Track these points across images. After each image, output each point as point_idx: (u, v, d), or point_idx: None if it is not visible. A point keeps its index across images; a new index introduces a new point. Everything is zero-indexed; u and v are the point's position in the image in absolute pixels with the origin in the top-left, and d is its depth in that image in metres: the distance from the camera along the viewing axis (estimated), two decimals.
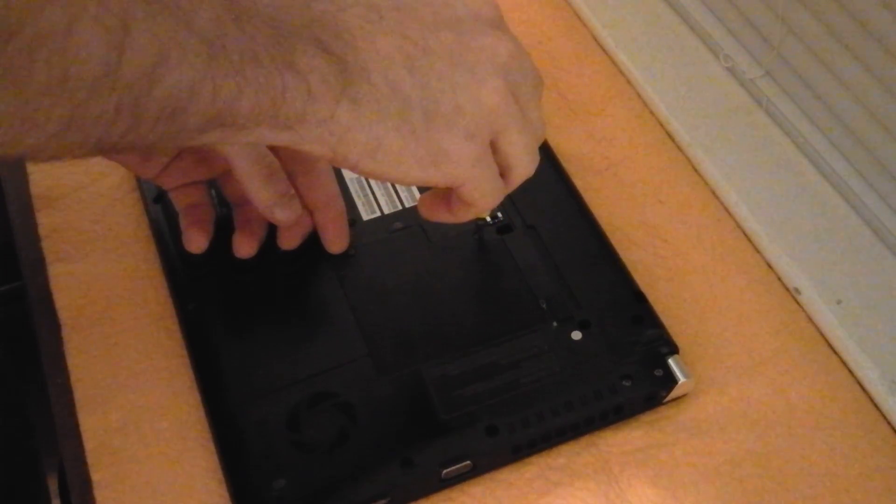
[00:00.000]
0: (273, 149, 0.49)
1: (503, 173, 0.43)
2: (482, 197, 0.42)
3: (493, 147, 0.41)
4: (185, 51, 0.34)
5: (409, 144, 0.39)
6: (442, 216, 0.45)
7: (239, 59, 0.35)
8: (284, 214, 0.50)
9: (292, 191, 0.50)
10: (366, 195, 0.55)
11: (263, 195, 0.49)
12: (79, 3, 0.31)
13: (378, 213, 0.54)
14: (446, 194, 0.44)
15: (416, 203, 0.54)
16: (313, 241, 0.52)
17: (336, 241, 0.52)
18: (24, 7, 0.29)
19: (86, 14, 0.31)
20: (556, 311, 0.50)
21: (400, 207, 0.54)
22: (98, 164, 0.58)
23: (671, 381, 0.48)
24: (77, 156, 0.35)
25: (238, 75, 0.35)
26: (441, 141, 0.40)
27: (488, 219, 0.54)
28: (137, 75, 0.33)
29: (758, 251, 0.56)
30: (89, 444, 0.48)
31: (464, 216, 0.44)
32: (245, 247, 0.51)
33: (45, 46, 0.30)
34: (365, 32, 0.39)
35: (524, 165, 0.43)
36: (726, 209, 0.58)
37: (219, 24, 0.35)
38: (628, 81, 0.65)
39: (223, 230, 0.53)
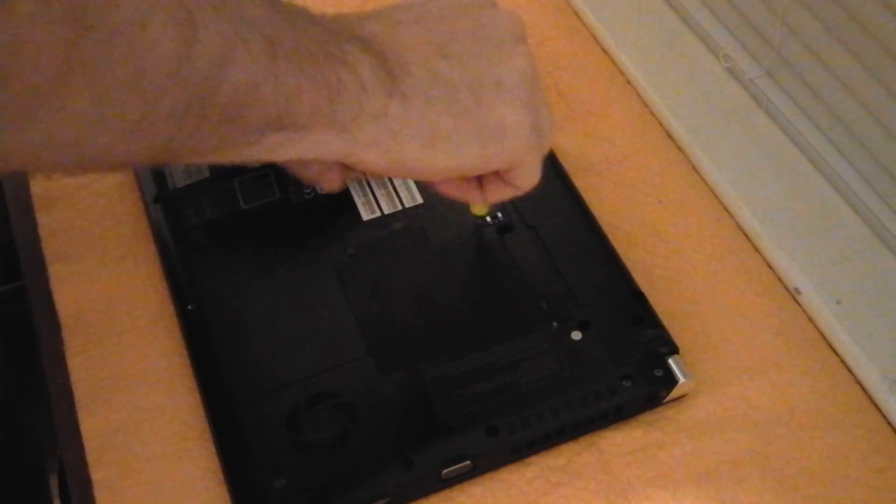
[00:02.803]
0: None
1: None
2: (529, 175, 0.43)
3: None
4: (249, 47, 0.34)
5: (463, 124, 0.40)
6: (471, 195, 0.45)
7: (296, 56, 0.36)
8: (330, 184, 0.47)
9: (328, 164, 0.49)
10: (366, 195, 0.55)
11: (306, 174, 0.48)
12: (149, 1, 0.31)
13: (378, 213, 0.54)
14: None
15: (416, 203, 0.54)
16: (314, 241, 0.52)
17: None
18: (102, 0, 0.30)
19: (158, 9, 0.31)
20: (556, 311, 0.50)
21: (400, 207, 0.54)
22: None
23: (671, 381, 0.48)
24: (142, 160, 0.35)
25: (297, 72, 0.36)
26: (497, 112, 0.41)
27: (488, 219, 0.54)
28: (206, 71, 0.33)
29: (758, 251, 0.56)
30: (89, 444, 0.48)
31: (499, 197, 0.45)
32: None
33: (121, 40, 0.30)
34: (390, 35, 0.40)
35: (551, 125, 0.44)
36: (726, 209, 0.58)
37: (273, 22, 0.35)
38: (628, 81, 0.65)
39: (222, 232, 0.53)
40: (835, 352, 0.52)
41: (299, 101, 0.36)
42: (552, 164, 0.57)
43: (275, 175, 0.55)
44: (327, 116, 0.37)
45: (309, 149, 0.38)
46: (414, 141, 0.39)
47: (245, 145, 0.37)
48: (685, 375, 0.48)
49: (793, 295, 0.54)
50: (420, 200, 0.55)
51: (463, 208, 0.51)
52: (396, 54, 0.39)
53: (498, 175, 0.43)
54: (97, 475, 0.47)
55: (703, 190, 0.59)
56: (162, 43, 0.31)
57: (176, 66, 0.32)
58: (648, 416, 0.49)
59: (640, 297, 0.51)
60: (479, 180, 0.45)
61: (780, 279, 0.55)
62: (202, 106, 0.34)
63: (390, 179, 0.55)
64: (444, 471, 0.45)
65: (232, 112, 0.35)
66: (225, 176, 0.55)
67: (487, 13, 0.43)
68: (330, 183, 0.50)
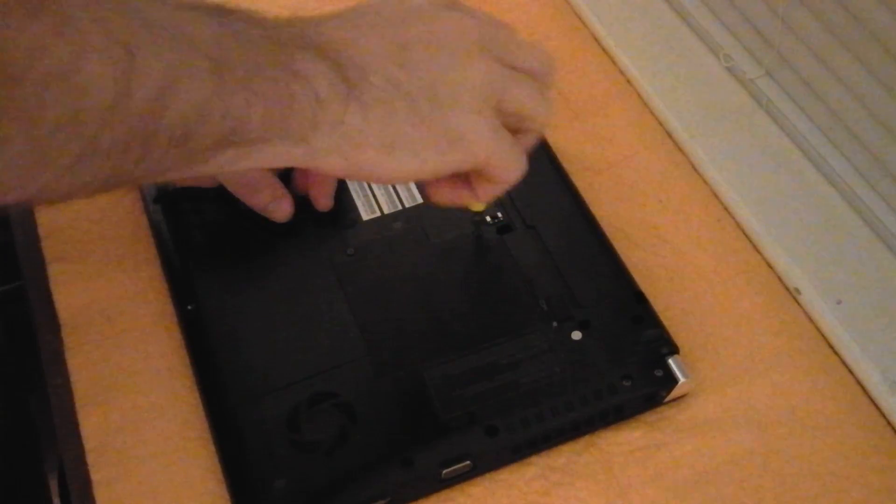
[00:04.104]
0: None
1: (522, 129, 0.43)
2: (507, 168, 0.43)
3: (503, 112, 0.42)
4: (193, 72, 0.34)
5: (422, 133, 0.40)
6: (463, 198, 0.45)
7: (244, 73, 0.35)
8: (277, 214, 0.52)
9: (280, 192, 0.51)
10: (366, 195, 0.55)
11: (254, 202, 0.52)
12: (82, 39, 0.31)
13: (378, 213, 0.54)
14: (465, 176, 0.44)
15: (416, 203, 0.54)
16: (313, 241, 0.52)
17: (320, 200, 0.53)
18: (27, 50, 0.29)
19: (90, 48, 0.31)
20: (556, 311, 0.50)
21: (400, 207, 0.54)
22: None
23: (671, 381, 0.48)
24: (92, 190, 0.34)
25: (246, 89, 0.35)
26: (452, 122, 0.40)
27: (488, 219, 0.54)
28: (146, 104, 0.33)
29: (758, 251, 0.56)
30: (89, 444, 0.48)
31: (489, 194, 0.44)
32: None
33: (54, 85, 0.30)
34: (347, 40, 0.39)
35: (539, 111, 0.43)
36: (726, 209, 0.58)
37: (220, 40, 0.35)
38: (628, 81, 0.65)
39: (222, 232, 0.53)
40: (835, 352, 0.52)
41: (249, 118, 0.36)
42: (552, 164, 0.57)
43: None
44: (281, 129, 0.37)
45: (265, 160, 0.38)
46: (373, 148, 0.39)
47: (197, 164, 0.36)
48: (685, 375, 0.48)
49: (793, 295, 0.54)
50: (420, 200, 0.55)
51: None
52: (353, 62, 0.39)
53: (481, 173, 0.43)
54: (97, 475, 0.47)
55: (703, 190, 0.59)
56: (96, 82, 0.31)
57: (113, 102, 0.32)
58: (648, 416, 0.49)
59: (640, 298, 0.51)
60: (467, 181, 0.44)
61: (780, 279, 0.55)
62: (145, 136, 0.33)
63: None
64: (444, 471, 0.45)
65: (178, 138, 0.34)
66: None
67: (442, 18, 0.42)
68: (276, 213, 0.51)
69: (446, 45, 0.41)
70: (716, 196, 0.59)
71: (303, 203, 0.53)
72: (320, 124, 0.38)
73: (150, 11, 0.34)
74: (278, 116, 0.37)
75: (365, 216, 0.54)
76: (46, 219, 0.56)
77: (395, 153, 0.40)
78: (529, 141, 0.44)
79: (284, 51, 0.37)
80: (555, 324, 0.50)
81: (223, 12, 0.37)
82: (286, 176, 0.53)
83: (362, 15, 0.41)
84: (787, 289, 0.55)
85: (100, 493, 0.46)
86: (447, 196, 0.45)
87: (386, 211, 0.54)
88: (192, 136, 0.35)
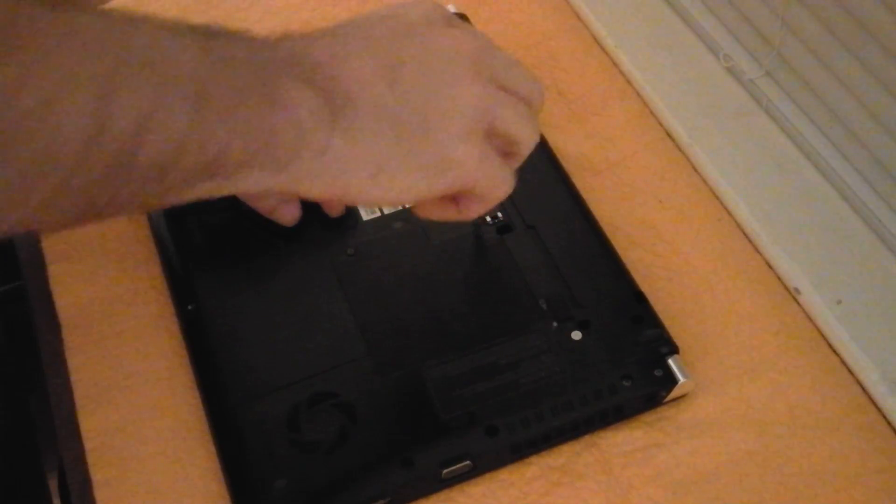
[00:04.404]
0: None
1: (509, 151, 0.43)
2: (495, 189, 0.42)
3: (493, 133, 0.41)
4: (171, 105, 0.33)
5: (410, 159, 0.39)
6: (449, 215, 0.45)
7: (225, 106, 0.34)
8: (284, 219, 0.51)
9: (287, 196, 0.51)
10: None
11: (262, 206, 0.51)
12: (59, 75, 0.30)
13: (378, 213, 0.54)
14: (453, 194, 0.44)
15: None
16: (314, 241, 0.52)
17: (334, 207, 0.53)
18: (1, 88, 0.29)
19: (67, 85, 0.30)
20: (556, 311, 0.50)
21: (400, 207, 0.54)
22: None
23: (671, 381, 0.48)
24: (65, 225, 0.34)
25: (226, 122, 0.35)
26: (441, 148, 0.40)
27: (488, 219, 0.54)
28: (124, 138, 0.32)
29: (758, 251, 0.56)
30: (89, 444, 0.48)
31: (475, 212, 0.44)
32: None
33: (27, 124, 0.30)
34: (338, 60, 0.38)
35: (527, 136, 0.43)
36: (726, 209, 0.58)
37: (201, 71, 0.34)
38: (628, 81, 0.65)
39: (222, 232, 0.53)
40: (835, 352, 0.52)
41: (230, 150, 0.35)
42: (552, 164, 0.57)
43: None
44: (263, 158, 0.36)
45: (247, 187, 0.37)
46: (359, 174, 0.38)
47: (175, 195, 0.36)
48: (685, 375, 0.48)
49: (793, 295, 0.54)
50: None
51: None
52: (341, 87, 0.38)
53: (468, 194, 0.43)
54: (97, 475, 0.47)
55: (703, 190, 0.59)
56: (72, 120, 0.30)
57: (88, 140, 0.31)
58: (648, 416, 0.49)
59: (640, 297, 0.51)
60: (454, 198, 0.44)
61: (780, 279, 0.55)
62: (120, 173, 0.33)
63: None
64: (445, 471, 0.45)
65: (154, 173, 0.34)
66: None
67: (436, 36, 0.41)
68: (284, 216, 0.51)
69: (439, 65, 0.40)
70: (716, 196, 0.59)
71: (303, 203, 0.53)
72: (303, 153, 0.37)
73: (131, 38, 0.33)
74: (260, 147, 0.36)
75: (365, 216, 0.54)
76: None
77: (381, 179, 0.39)
78: (516, 163, 0.44)
79: (269, 78, 0.36)
80: (555, 324, 0.50)
81: (209, 34, 0.36)
82: None
83: (355, 32, 0.40)
84: (786, 289, 0.55)
85: (100, 493, 0.46)
86: (434, 213, 0.45)
87: (386, 211, 0.54)
88: (170, 170, 0.34)
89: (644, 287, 0.52)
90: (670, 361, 0.48)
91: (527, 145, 0.43)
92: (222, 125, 0.34)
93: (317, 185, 0.38)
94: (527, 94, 0.43)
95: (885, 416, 0.50)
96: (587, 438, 0.48)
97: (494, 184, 0.42)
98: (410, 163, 0.39)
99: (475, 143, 0.40)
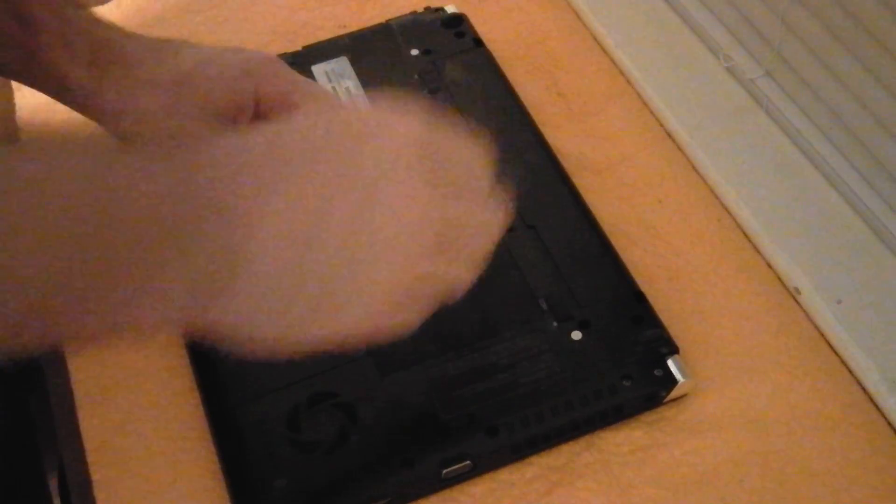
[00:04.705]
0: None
1: (466, 245, 0.38)
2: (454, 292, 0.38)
3: (444, 238, 0.36)
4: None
5: (286, 337, 0.35)
6: None
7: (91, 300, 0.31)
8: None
9: None
10: None
11: None
12: None
13: None
14: None
15: None
16: None
17: None
18: None
19: None
20: (556, 311, 0.50)
21: None
22: None
23: (671, 381, 0.48)
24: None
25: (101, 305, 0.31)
26: (367, 288, 0.35)
27: None
28: None
29: (758, 251, 0.56)
30: (89, 444, 0.48)
31: None
32: None
33: None
34: (253, 206, 0.33)
35: (484, 231, 0.39)
36: (726, 209, 0.58)
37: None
38: (628, 81, 0.65)
39: None
40: (835, 352, 0.52)
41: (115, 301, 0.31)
42: (552, 164, 0.57)
43: None
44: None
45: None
46: (269, 329, 0.35)
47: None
48: (685, 375, 0.48)
49: (793, 295, 0.54)
50: None
51: None
52: (244, 249, 0.32)
53: None
54: (97, 475, 0.47)
55: (703, 190, 0.59)
56: None
57: None
58: (648, 416, 0.49)
59: (640, 297, 0.51)
60: None
61: (780, 279, 0.55)
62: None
63: None
64: (445, 471, 0.45)
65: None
66: None
67: (364, 148, 0.34)
68: None
69: (361, 181, 0.33)
70: (716, 196, 0.59)
71: None
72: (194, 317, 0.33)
73: None
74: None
75: None
76: None
77: (245, 348, 0.35)
78: (478, 250, 0.39)
79: (150, 256, 0.31)
80: (555, 324, 0.50)
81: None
82: None
83: (301, 163, 0.33)
84: (786, 288, 0.55)
85: (100, 493, 0.46)
86: None
87: None
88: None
89: (644, 287, 0.52)
90: (670, 361, 0.48)
91: (487, 239, 0.39)
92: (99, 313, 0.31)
93: (230, 333, 0.34)
94: (477, 184, 0.39)
95: (885, 416, 0.50)
96: (587, 438, 0.48)
97: (453, 290, 0.38)
98: (284, 342, 0.36)
99: (409, 266, 0.35)
